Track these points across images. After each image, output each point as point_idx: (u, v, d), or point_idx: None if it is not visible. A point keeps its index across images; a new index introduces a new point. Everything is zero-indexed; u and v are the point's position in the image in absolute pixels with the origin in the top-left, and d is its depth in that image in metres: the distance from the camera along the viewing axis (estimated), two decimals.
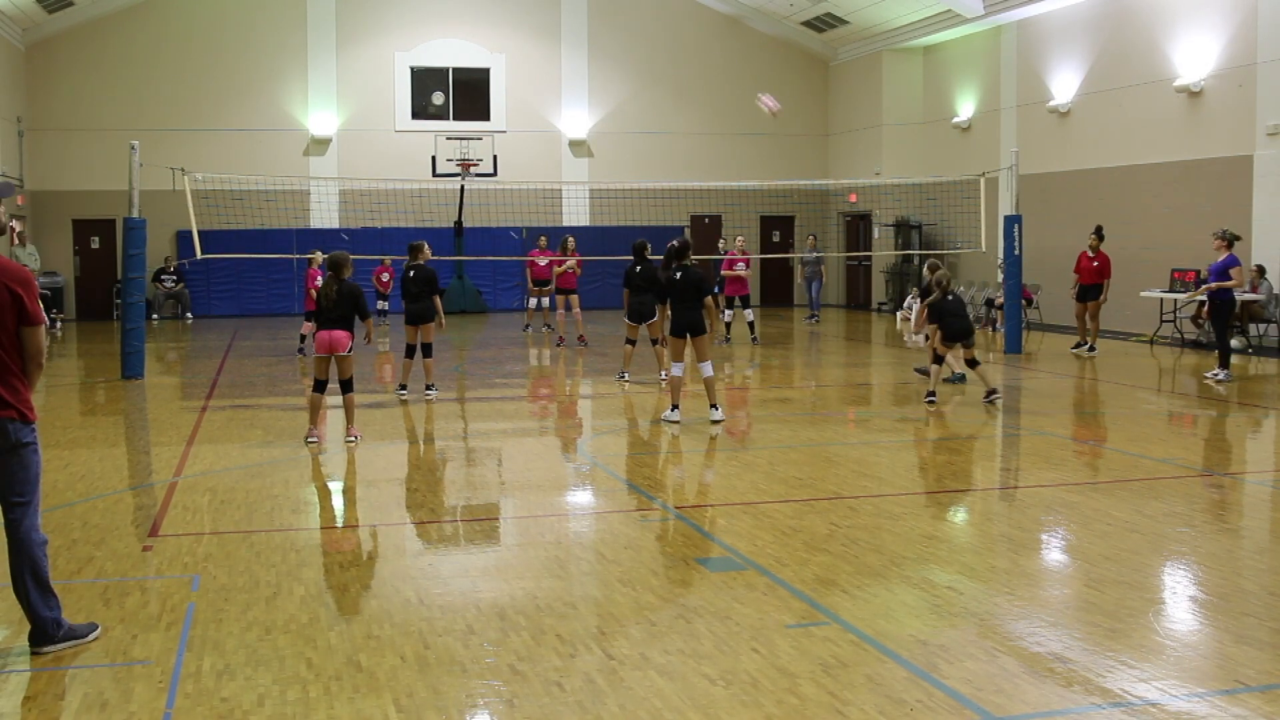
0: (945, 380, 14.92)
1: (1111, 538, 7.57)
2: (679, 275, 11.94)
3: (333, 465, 10.63)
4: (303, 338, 18.87)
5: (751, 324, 20.56)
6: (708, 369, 12.02)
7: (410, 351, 14.07)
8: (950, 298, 13.82)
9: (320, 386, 11.17)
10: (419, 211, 26.71)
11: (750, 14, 29.79)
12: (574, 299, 20.00)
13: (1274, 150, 18.48)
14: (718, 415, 12.02)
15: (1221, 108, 19.45)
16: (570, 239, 20.43)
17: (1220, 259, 14.92)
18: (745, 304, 20.70)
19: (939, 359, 14.12)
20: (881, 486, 9.19)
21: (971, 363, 13.98)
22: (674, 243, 12.26)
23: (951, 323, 13.65)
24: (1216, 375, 15.01)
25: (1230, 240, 14.98)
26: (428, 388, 13.85)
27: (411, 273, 13.86)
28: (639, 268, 14.54)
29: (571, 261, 19.88)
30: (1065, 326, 21.44)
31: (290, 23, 27.96)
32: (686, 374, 12.23)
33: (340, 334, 11.09)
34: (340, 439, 11.28)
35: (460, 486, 9.59)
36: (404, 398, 13.82)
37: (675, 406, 12.02)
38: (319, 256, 18.81)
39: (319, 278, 18.50)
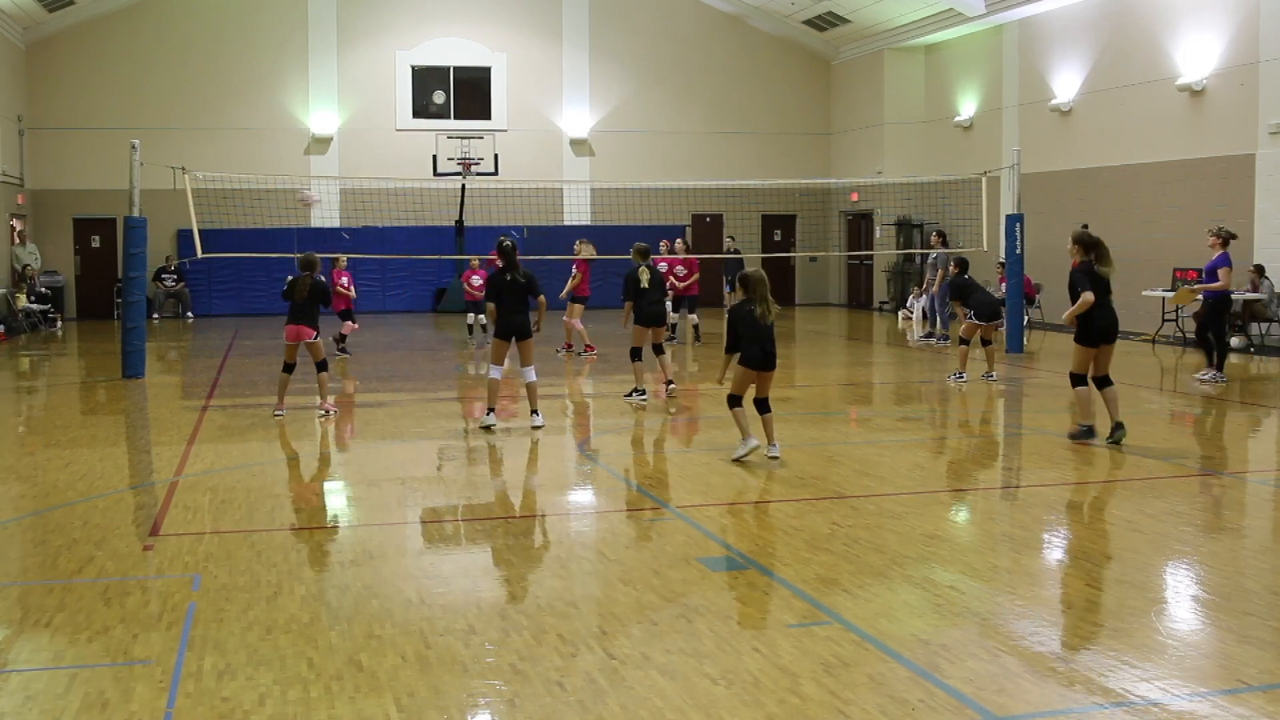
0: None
1: (1113, 537, 7.57)
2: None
3: (334, 464, 10.63)
4: (343, 337, 18.42)
5: (696, 327, 19.89)
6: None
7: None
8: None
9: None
10: (420, 210, 26.71)
11: (752, 12, 29.76)
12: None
13: (1276, 149, 18.45)
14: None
15: (1223, 106, 19.42)
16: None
17: (1214, 257, 14.38)
18: (691, 307, 19.80)
19: (985, 340, 14.88)
20: (883, 485, 9.18)
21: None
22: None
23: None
24: (1210, 376, 14.68)
25: (1226, 238, 14.35)
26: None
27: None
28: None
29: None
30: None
31: (291, 21, 27.95)
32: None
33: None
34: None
35: (461, 485, 9.58)
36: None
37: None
38: (343, 260, 18.70)
39: (343, 279, 18.27)
